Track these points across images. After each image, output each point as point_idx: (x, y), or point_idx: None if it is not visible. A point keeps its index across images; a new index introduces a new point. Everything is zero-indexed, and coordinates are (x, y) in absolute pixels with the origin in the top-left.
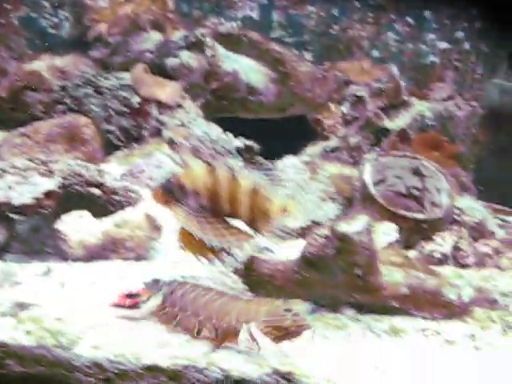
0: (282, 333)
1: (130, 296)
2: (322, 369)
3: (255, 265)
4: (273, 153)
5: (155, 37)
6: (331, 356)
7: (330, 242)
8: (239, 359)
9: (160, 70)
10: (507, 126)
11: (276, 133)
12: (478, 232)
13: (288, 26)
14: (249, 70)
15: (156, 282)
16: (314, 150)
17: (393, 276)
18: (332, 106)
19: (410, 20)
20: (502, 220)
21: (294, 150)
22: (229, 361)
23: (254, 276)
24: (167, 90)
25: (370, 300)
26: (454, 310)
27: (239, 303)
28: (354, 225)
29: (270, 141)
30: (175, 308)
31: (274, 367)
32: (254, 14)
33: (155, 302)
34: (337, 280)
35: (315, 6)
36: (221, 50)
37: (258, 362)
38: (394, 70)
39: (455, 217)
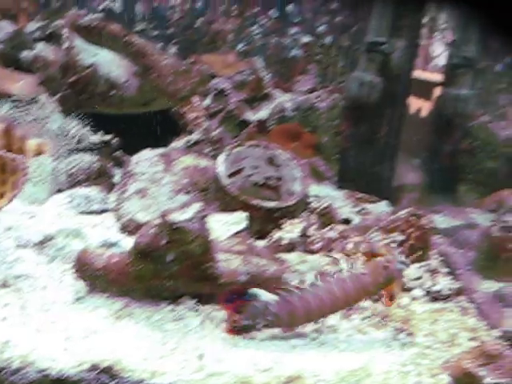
0: None
1: None
2: (149, 362)
3: (87, 259)
4: (135, 149)
5: (7, 27)
6: (163, 348)
7: (162, 232)
8: (57, 357)
9: (13, 63)
10: (367, 117)
11: (139, 127)
12: (329, 218)
13: (152, 19)
14: (109, 63)
15: None
16: (176, 144)
17: (231, 264)
18: (195, 100)
19: (273, 13)
20: (362, 208)
21: (158, 145)
22: (46, 359)
23: (87, 270)
24: (20, 84)
25: (209, 289)
26: None
27: None
28: (186, 213)
29: (133, 136)
30: None
31: (94, 363)
32: (116, 6)
33: None
34: (172, 271)
35: None
36: (79, 42)
37: (76, 359)
38: (258, 63)
39: (308, 205)
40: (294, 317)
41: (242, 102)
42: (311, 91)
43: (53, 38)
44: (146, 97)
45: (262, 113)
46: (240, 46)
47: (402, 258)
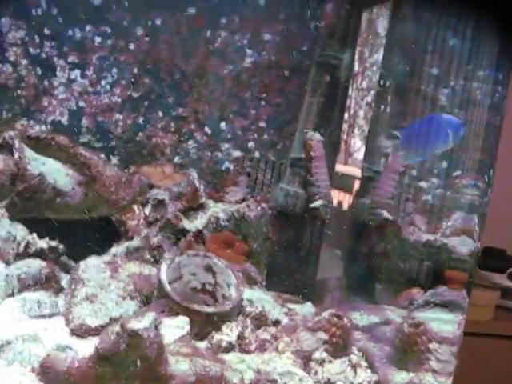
0: None
1: None
2: None
3: (51, 362)
4: (79, 253)
5: None
6: None
7: (121, 338)
8: None
9: None
10: (292, 225)
11: (82, 233)
12: (262, 321)
13: (96, 132)
14: (56, 172)
15: None
16: (117, 249)
17: (181, 366)
18: (135, 208)
19: (208, 130)
20: (289, 308)
21: (99, 250)
22: None
23: (50, 373)
24: None
25: None
26: None
27: None
28: (143, 321)
29: (76, 241)
30: None
31: None
32: (64, 119)
33: None
34: (130, 373)
35: (122, 114)
36: (29, 152)
37: None
38: (194, 175)
39: (243, 308)
40: None
41: (180, 211)
42: (242, 201)
43: (3, 148)
44: (89, 204)
45: (198, 222)
46: (177, 159)
47: None
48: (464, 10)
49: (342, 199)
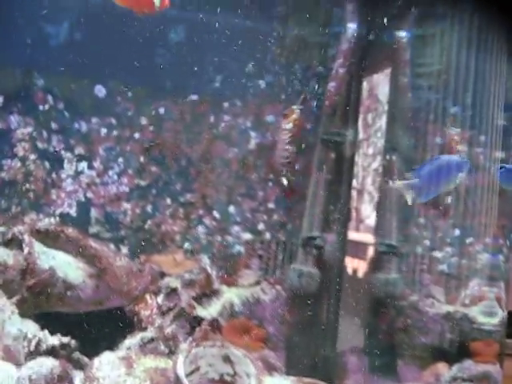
0: None
1: None
2: None
3: None
4: (91, 347)
5: None
6: None
7: None
8: None
9: None
10: (308, 304)
11: (95, 326)
12: None
13: (105, 222)
14: (66, 265)
15: None
16: (131, 341)
17: None
18: (148, 298)
19: (216, 215)
20: None
21: (112, 343)
22: None
23: None
24: None
25: None
26: None
27: None
28: None
29: (89, 335)
30: None
31: None
32: (72, 211)
33: None
34: None
35: (130, 203)
36: (38, 246)
37: None
38: (205, 260)
39: None
40: None
41: (193, 298)
42: (255, 284)
43: (13, 242)
44: (101, 296)
45: (213, 309)
46: (187, 245)
47: None
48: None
49: (357, 267)
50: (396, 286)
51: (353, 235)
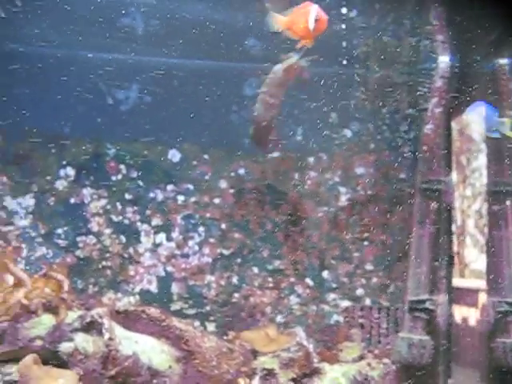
0: None
1: None
2: None
3: None
4: None
5: (47, 320)
6: None
7: None
8: None
9: (53, 357)
10: (421, 379)
11: None
12: None
13: (188, 298)
14: (150, 350)
15: None
16: None
17: None
18: (242, 382)
19: (309, 282)
20: None
21: None
22: None
23: None
24: (59, 382)
25: None
26: None
27: None
28: None
29: None
30: None
31: None
32: (153, 287)
33: None
34: None
35: (214, 274)
36: (119, 330)
37: None
38: (301, 334)
39: None
40: None
41: (292, 380)
42: (360, 359)
43: (92, 327)
44: (190, 383)
45: None
46: (280, 318)
47: None
48: None
49: (467, 315)
50: None
51: (458, 282)
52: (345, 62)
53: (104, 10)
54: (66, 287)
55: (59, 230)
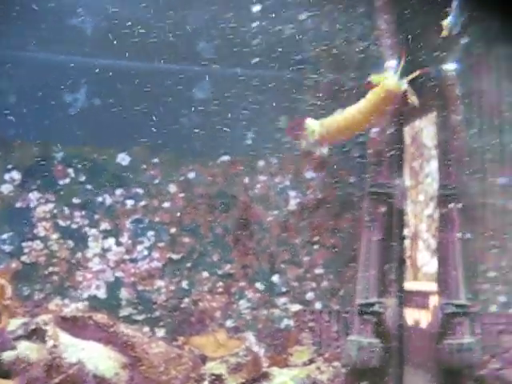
0: None
1: None
2: None
3: None
4: None
5: None
6: None
7: None
8: None
9: None
10: (371, 380)
11: None
12: None
13: (137, 303)
14: (97, 357)
15: None
16: None
17: None
18: None
19: (259, 286)
20: None
21: None
22: None
23: None
24: None
25: None
26: None
27: None
28: None
29: None
30: None
31: None
32: (101, 293)
33: None
34: None
35: (164, 279)
36: (65, 337)
37: None
38: (251, 339)
39: None
40: None
41: None
42: (310, 362)
43: (36, 334)
44: None
45: None
46: (229, 323)
47: None
48: None
49: (418, 318)
50: (472, 352)
51: (411, 285)
52: (295, 67)
53: (52, 10)
54: (8, 293)
55: (4, 236)
